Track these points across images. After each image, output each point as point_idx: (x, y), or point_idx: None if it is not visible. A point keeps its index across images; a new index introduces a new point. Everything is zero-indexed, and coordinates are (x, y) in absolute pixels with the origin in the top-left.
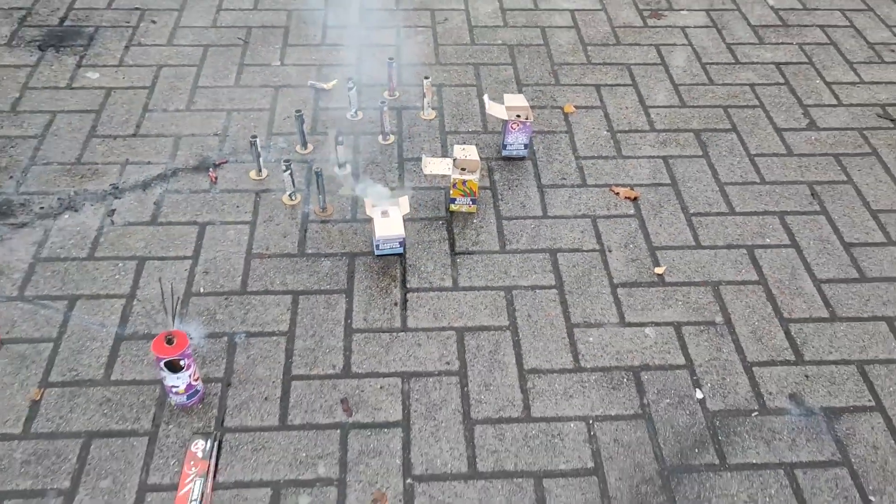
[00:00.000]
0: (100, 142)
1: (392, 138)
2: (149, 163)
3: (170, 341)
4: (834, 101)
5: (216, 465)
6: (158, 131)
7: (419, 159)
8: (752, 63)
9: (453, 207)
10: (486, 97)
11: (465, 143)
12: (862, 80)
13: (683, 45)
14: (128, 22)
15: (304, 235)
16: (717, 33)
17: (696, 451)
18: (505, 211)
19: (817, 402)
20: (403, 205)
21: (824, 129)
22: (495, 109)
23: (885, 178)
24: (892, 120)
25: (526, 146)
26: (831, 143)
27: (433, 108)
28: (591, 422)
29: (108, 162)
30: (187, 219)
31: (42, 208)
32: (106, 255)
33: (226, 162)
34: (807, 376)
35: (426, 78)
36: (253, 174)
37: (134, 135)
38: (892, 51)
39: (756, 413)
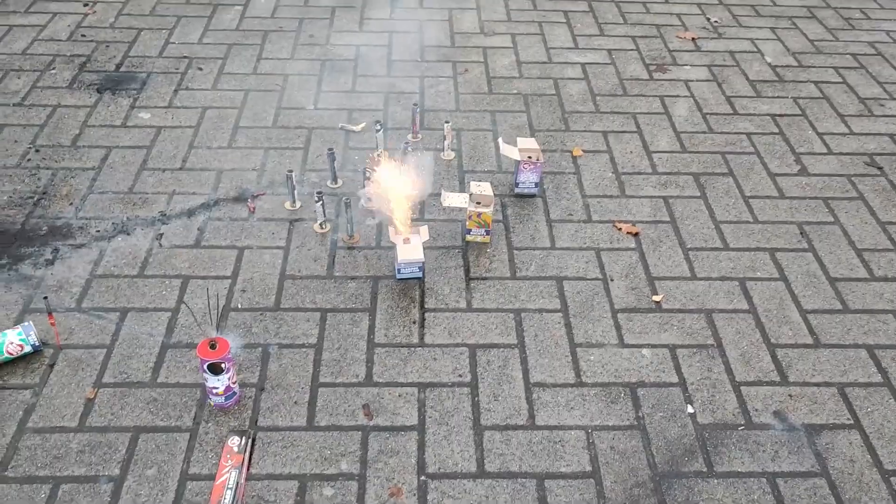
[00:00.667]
0: (150, 174)
1: None
2: (193, 193)
3: (213, 346)
4: (824, 150)
5: (250, 459)
6: (203, 166)
7: (439, 194)
8: (749, 114)
9: (469, 238)
10: (500, 140)
11: (480, 180)
12: (852, 132)
13: (686, 96)
14: (177, 69)
15: (332, 260)
16: (717, 87)
17: (686, 459)
18: (516, 242)
19: (800, 419)
20: (424, 233)
21: (815, 174)
22: (509, 151)
23: (871, 220)
24: (878, 168)
25: (536, 185)
26: (820, 188)
27: (453, 150)
28: (590, 431)
29: (157, 192)
30: (227, 243)
31: (98, 231)
32: (154, 273)
33: (263, 194)
34: (790, 396)
35: (447, 122)
36: (287, 205)
37: (181, 168)
38: (882, 105)
39: (742, 427)
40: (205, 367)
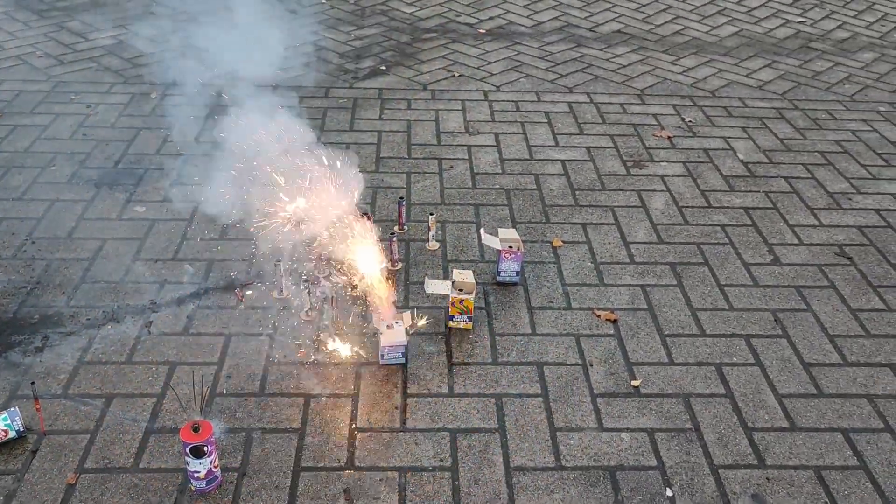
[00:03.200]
0: (142, 264)
1: (400, 265)
2: (183, 283)
3: (196, 429)
4: (796, 241)
5: None
6: (194, 256)
7: (423, 283)
8: (724, 207)
9: (452, 324)
10: (482, 230)
11: (463, 269)
12: (821, 224)
13: (662, 191)
14: (173, 165)
15: (317, 346)
16: (692, 181)
17: None
18: (498, 328)
19: (778, 502)
20: (407, 319)
21: (787, 264)
22: (490, 241)
23: (842, 308)
24: (848, 258)
25: (517, 273)
26: (793, 277)
27: (437, 241)
28: None
29: (149, 281)
30: (215, 331)
31: (88, 319)
32: (142, 360)
33: (252, 283)
34: (768, 479)
35: (431, 214)
36: (275, 294)
37: (172, 259)
38: (850, 199)
39: None
40: (187, 449)
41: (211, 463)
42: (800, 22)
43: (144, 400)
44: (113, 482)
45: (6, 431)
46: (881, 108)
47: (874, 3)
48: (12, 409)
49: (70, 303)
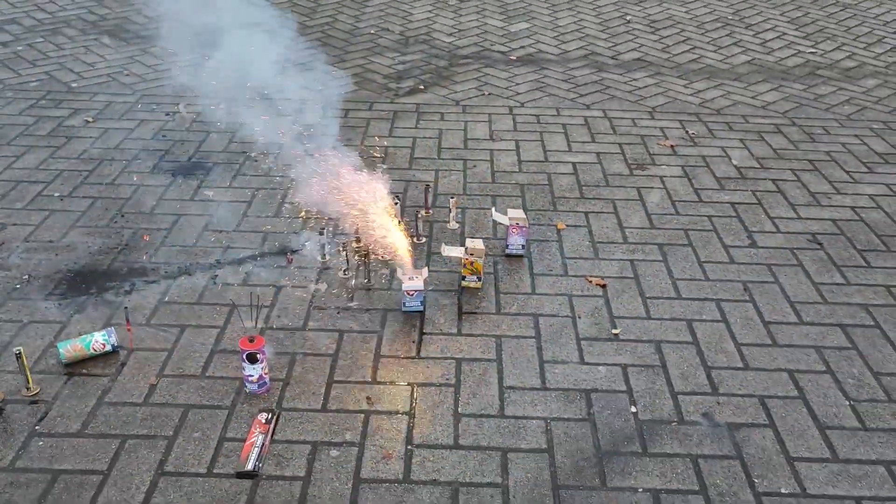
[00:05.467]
0: (209, 234)
1: (424, 239)
2: (244, 248)
3: (252, 340)
4: (773, 229)
5: (274, 428)
6: (252, 228)
7: (441, 251)
8: (712, 202)
9: (464, 283)
10: (493, 209)
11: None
12: (799, 217)
13: (659, 188)
14: (237, 161)
15: (351, 297)
16: (688, 181)
17: (626, 443)
18: (502, 288)
19: (724, 419)
20: (424, 272)
21: (762, 247)
22: (499, 217)
23: (806, 282)
24: (819, 244)
25: (523, 246)
26: (766, 257)
27: (457, 221)
28: (548, 421)
29: (215, 246)
30: (269, 283)
31: (166, 272)
32: (208, 302)
33: (300, 249)
34: (718, 403)
35: (452, 197)
36: (319, 257)
37: (235, 230)
38: (829, 198)
39: (675, 423)
40: (244, 356)
41: (262, 370)
42: (810, 52)
43: (210, 330)
44: (186, 384)
45: (104, 345)
46: (874, 126)
47: (885, 37)
48: (110, 328)
49: (152, 260)
